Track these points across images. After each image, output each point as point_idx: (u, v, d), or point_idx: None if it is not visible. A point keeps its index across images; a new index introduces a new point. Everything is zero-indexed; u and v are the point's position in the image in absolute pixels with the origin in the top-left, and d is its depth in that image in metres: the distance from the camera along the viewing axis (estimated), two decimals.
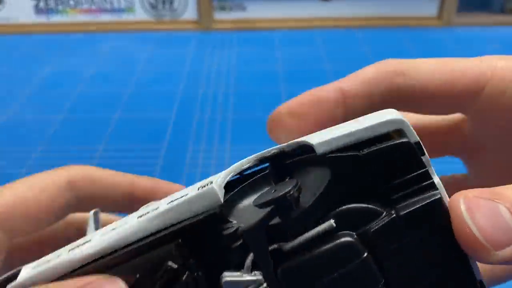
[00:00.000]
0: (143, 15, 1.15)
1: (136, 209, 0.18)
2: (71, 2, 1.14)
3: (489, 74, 0.19)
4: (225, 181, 0.16)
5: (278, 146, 0.17)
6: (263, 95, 0.84)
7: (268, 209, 0.16)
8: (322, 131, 0.16)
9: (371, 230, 0.15)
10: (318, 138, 0.16)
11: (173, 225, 0.16)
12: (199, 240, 0.17)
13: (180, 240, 0.16)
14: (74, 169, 0.23)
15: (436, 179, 0.16)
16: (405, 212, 0.15)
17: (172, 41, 1.09)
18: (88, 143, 0.69)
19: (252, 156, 0.17)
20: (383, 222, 0.15)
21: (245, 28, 1.13)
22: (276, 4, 1.14)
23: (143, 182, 0.25)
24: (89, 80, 0.91)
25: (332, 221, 0.15)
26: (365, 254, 0.15)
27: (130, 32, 1.13)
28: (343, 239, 0.15)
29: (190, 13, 1.14)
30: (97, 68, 0.96)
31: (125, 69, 0.95)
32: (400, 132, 0.16)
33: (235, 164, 0.17)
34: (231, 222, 0.16)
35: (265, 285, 0.16)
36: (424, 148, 0.16)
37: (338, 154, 0.16)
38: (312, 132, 0.17)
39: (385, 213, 0.16)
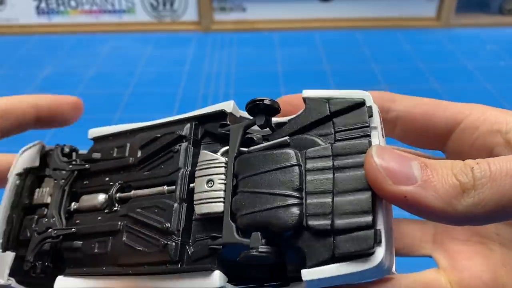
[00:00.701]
0: (143, 16, 1.15)
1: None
2: (72, 3, 1.14)
3: (467, 112, 0.22)
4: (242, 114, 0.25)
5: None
6: (263, 95, 0.84)
7: (255, 118, 0.23)
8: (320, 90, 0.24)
9: (308, 151, 0.22)
10: (308, 91, 0.24)
11: (198, 115, 0.25)
12: (204, 130, 0.25)
13: (196, 122, 0.25)
14: None
15: (375, 138, 0.21)
16: (337, 145, 0.21)
17: (172, 42, 1.10)
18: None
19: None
20: (319, 147, 0.22)
21: (245, 29, 1.14)
22: (276, 5, 1.14)
23: (44, 96, 0.29)
24: (90, 80, 0.92)
25: (287, 138, 0.22)
26: (295, 162, 0.21)
27: (131, 33, 1.14)
28: (287, 149, 0.22)
29: (190, 14, 1.15)
30: (98, 68, 0.97)
31: (125, 69, 0.96)
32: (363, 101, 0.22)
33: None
34: (228, 123, 0.24)
35: (224, 165, 0.23)
36: (376, 113, 0.21)
37: (313, 100, 0.23)
38: None
39: (324, 144, 0.22)
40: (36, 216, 0.28)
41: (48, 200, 0.29)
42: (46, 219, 0.27)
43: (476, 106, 0.23)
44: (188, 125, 0.26)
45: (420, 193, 0.18)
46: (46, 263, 0.26)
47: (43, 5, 1.14)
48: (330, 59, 0.99)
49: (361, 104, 0.22)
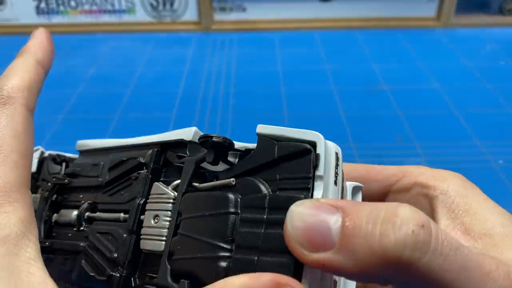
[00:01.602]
0: (143, 16, 1.15)
1: None
2: (72, 3, 1.14)
3: (400, 176, 0.22)
4: (202, 134, 0.23)
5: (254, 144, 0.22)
6: (263, 96, 0.84)
7: (206, 152, 0.22)
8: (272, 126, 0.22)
9: (247, 198, 0.20)
10: (264, 126, 0.21)
11: (161, 141, 0.25)
12: (165, 157, 0.25)
13: (157, 149, 0.25)
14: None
15: (318, 189, 0.19)
16: (272, 195, 0.20)
17: (172, 42, 1.10)
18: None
19: (238, 142, 0.23)
20: (256, 196, 0.20)
21: (245, 29, 1.14)
22: (276, 5, 1.14)
23: (33, 47, 0.28)
24: (90, 80, 0.92)
25: (232, 179, 0.21)
26: (232, 210, 0.20)
27: (131, 33, 1.14)
28: (229, 194, 0.21)
29: (190, 14, 1.15)
30: (98, 68, 0.97)
31: (125, 69, 0.96)
32: (314, 145, 0.20)
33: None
34: (187, 154, 0.24)
35: (172, 200, 0.22)
36: (323, 160, 0.19)
37: (266, 139, 0.21)
38: None
39: (266, 192, 0.20)
40: None
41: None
42: None
43: (410, 169, 0.22)
44: (150, 152, 0.25)
45: (338, 260, 0.16)
46: None
47: (43, 5, 1.14)
48: (330, 59, 0.99)
49: (307, 151, 0.20)
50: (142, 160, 0.25)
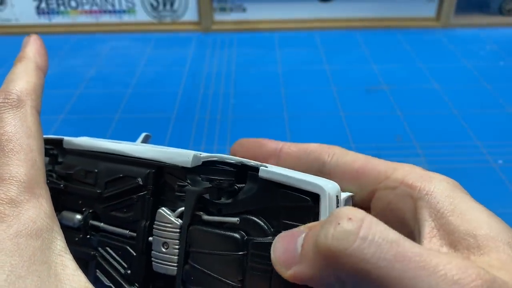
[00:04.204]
0: (144, 17, 1.16)
1: None
2: (73, 3, 1.14)
3: (390, 172, 0.22)
4: (206, 158, 0.23)
5: (244, 159, 0.23)
6: (263, 96, 0.84)
7: (208, 185, 0.23)
8: (277, 167, 0.22)
9: (255, 240, 0.21)
10: (267, 170, 0.22)
11: (158, 161, 0.25)
12: (163, 179, 0.25)
13: (154, 171, 0.25)
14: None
15: None
16: None
17: (172, 42, 1.10)
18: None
19: (232, 156, 0.23)
20: (264, 241, 0.21)
21: (245, 29, 1.14)
22: (276, 6, 1.14)
23: (31, 52, 0.29)
24: (90, 80, 0.92)
25: (236, 219, 0.22)
26: (240, 253, 0.21)
27: (131, 33, 1.14)
28: (235, 234, 0.21)
29: (190, 14, 1.15)
30: (98, 68, 0.97)
31: (125, 69, 0.96)
32: (319, 197, 0.20)
33: (221, 155, 0.23)
34: (187, 182, 0.24)
35: (178, 230, 0.23)
36: (322, 217, 0.20)
37: (268, 181, 0.21)
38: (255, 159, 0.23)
39: (271, 236, 0.21)
40: None
41: None
42: None
43: (401, 167, 0.22)
44: (147, 173, 0.25)
45: (301, 269, 0.18)
46: None
47: (43, 5, 1.14)
48: (330, 59, 0.99)
49: (308, 203, 0.20)
50: (140, 182, 0.25)
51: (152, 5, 1.14)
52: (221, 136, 0.72)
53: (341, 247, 0.16)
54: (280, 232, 0.20)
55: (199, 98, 0.84)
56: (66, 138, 0.30)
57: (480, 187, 0.62)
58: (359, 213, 0.16)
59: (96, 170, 0.28)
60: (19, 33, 1.13)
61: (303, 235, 0.18)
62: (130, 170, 0.26)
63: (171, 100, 0.83)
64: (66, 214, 0.28)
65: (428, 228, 0.19)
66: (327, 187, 0.20)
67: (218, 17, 1.16)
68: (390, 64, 0.96)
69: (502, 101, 0.82)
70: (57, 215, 0.28)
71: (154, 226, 0.24)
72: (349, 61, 0.98)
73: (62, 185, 0.29)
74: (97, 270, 0.26)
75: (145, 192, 0.25)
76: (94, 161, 0.28)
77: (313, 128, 0.74)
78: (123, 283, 0.24)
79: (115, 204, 0.26)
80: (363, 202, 0.24)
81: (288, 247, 0.19)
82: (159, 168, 0.25)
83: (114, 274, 0.25)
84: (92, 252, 0.26)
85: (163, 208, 0.24)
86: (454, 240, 0.19)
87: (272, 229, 0.21)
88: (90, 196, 0.28)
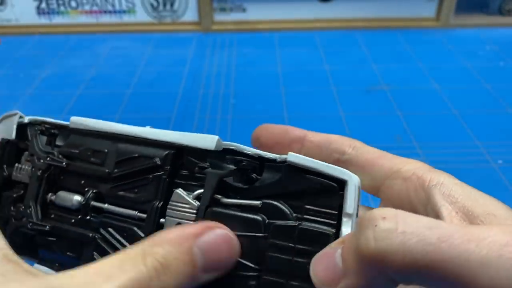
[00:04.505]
0: (144, 17, 1.16)
1: None
2: (73, 4, 1.14)
3: (401, 166, 0.24)
4: (226, 146, 0.24)
5: (262, 152, 0.23)
6: (262, 95, 0.84)
7: (232, 167, 0.23)
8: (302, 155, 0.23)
9: (276, 223, 0.21)
10: (296, 155, 0.22)
11: (179, 143, 0.25)
12: (181, 162, 0.25)
13: (174, 151, 0.25)
14: None
15: (347, 226, 0.21)
16: (303, 227, 0.21)
17: (172, 42, 1.10)
18: None
19: (253, 148, 0.24)
20: (286, 224, 0.21)
21: (245, 29, 1.14)
22: (276, 6, 1.14)
23: None
24: (90, 80, 0.92)
25: (259, 202, 0.22)
26: (261, 234, 0.21)
27: (131, 33, 1.14)
28: (257, 217, 0.22)
29: (190, 14, 1.15)
30: (98, 69, 0.97)
31: (125, 70, 0.96)
32: (343, 183, 0.21)
33: (239, 145, 0.24)
34: (207, 164, 0.24)
35: (195, 211, 0.23)
36: (350, 202, 0.21)
37: (293, 167, 0.22)
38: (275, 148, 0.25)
39: (293, 220, 0.21)
40: (14, 195, 0.28)
41: (27, 180, 0.29)
42: (23, 207, 0.27)
43: (412, 161, 0.24)
44: (166, 154, 0.25)
45: (347, 284, 0.18)
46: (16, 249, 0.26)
47: (43, 5, 1.14)
48: (330, 59, 0.99)
49: (335, 189, 0.21)
50: (158, 162, 0.25)
51: (152, 5, 1.14)
52: (221, 136, 0.71)
53: (386, 246, 0.16)
54: (302, 218, 0.21)
55: (199, 98, 0.84)
56: (73, 117, 0.29)
57: (479, 187, 0.62)
58: (390, 211, 0.17)
59: (106, 150, 0.27)
60: (19, 33, 1.13)
61: (339, 250, 0.18)
62: (145, 150, 0.26)
63: (171, 100, 0.83)
64: (62, 194, 0.27)
65: (446, 211, 0.20)
66: (353, 175, 0.21)
67: (218, 17, 1.16)
68: (390, 64, 0.96)
69: (502, 101, 0.82)
70: (53, 196, 0.28)
71: (169, 206, 0.24)
72: (349, 61, 0.98)
73: (64, 163, 0.28)
74: (95, 253, 0.25)
75: (161, 173, 0.25)
76: (103, 141, 0.28)
77: (313, 128, 0.73)
78: None
79: (124, 184, 0.26)
80: (371, 191, 0.25)
81: (328, 266, 0.19)
82: (178, 150, 0.25)
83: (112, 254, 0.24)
84: (91, 234, 0.25)
85: (180, 189, 0.24)
86: (475, 219, 0.19)
87: (293, 214, 0.22)
88: (95, 176, 0.27)
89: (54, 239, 0.26)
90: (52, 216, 0.27)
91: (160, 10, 1.15)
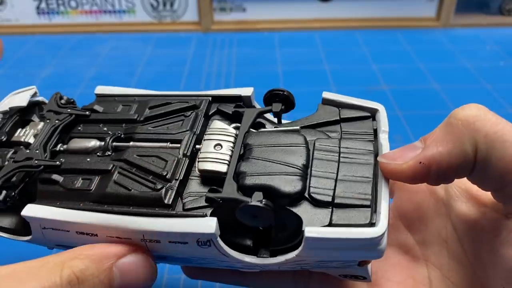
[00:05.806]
0: (144, 16, 1.16)
1: None
2: (73, 4, 1.14)
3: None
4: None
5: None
6: (262, 95, 0.84)
7: (268, 108, 0.29)
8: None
9: (318, 139, 0.26)
10: (328, 93, 0.29)
11: (213, 94, 0.29)
12: (218, 107, 0.28)
13: (210, 99, 0.28)
14: None
15: (385, 140, 0.25)
16: (343, 140, 0.25)
17: (172, 42, 1.10)
18: None
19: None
20: (328, 139, 0.26)
21: (245, 29, 1.14)
22: (276, 5, 1.14)
23: None
24: (90, 80, 0.92)
25: (298, 127, 0.27)
26: (304, 144, 0.24)
27: (131, 33, 1.14)
28: (298, 134, 0.25)
29: (190, 14, 1.15)
30: (98, 68, 0.97)
31: (125, 69, 0.96)
32: (375, 112, 0.27)
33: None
34: (243, 106, 0.29)
35: (234, 133, 0.25)
36: (384, 121, 0.26)
37: (332, 101, 0.27)
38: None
39: (333, 138, 0.26)
40: (13, 150, 0.28)
41: (31, 140, 0.28)
42: (28, 151, 0.26)
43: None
44: (203, 99, 0.28)
45: (428, 153, 0.23)
46: (13, 193, 0.25)
47: (43, 5, 1.14)
48: (330, 59, 0.99)
49: (367, 117, 0.26)
50: (195, 103, 0.27)
51: (152, 5, 1.14)
52: None
53: (478, 115, 0.22)
54: (339, 138, 0.25)
55: None
56: (99, 86, 0.34)
57: None
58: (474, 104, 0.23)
59: (135, 104, 0.29)
60: (19, 33, 1.13)
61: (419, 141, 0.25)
62: (180, 99, 0.28)
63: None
64: (77, 140, 0.28)
65: None
66: (383, 107, 0.26)
67: (218, 17, 1.16)
68: (390, 64, 0.96)
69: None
70: (63, 146, 0.27)
71: (207, 133, 0.25)
72: (349, 61, 0.98)
73: (87, 112, 0.30)
74: (116, 178, 0.24)
75: (198, 110, 0.27)
76: (132, 101, 0.30)
77: None
78: (156, 182, 0.23)
79: (158, 121, 0.27)
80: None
81: (406, 147, 0.24)
82: (214, 98, 0.28)
83: (144, 177, 0.24)
84: (112, 164, 0.25)
85: (217, 119, 0.27)
86: None
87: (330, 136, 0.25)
88: (122, 120, 0.28)
89: (62, 176, 0.25)
90: (62, 160, 0.26)
91: (160, 10, 1.15)
